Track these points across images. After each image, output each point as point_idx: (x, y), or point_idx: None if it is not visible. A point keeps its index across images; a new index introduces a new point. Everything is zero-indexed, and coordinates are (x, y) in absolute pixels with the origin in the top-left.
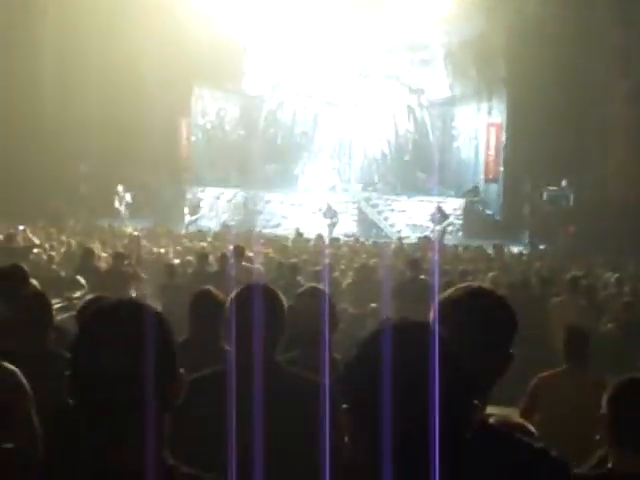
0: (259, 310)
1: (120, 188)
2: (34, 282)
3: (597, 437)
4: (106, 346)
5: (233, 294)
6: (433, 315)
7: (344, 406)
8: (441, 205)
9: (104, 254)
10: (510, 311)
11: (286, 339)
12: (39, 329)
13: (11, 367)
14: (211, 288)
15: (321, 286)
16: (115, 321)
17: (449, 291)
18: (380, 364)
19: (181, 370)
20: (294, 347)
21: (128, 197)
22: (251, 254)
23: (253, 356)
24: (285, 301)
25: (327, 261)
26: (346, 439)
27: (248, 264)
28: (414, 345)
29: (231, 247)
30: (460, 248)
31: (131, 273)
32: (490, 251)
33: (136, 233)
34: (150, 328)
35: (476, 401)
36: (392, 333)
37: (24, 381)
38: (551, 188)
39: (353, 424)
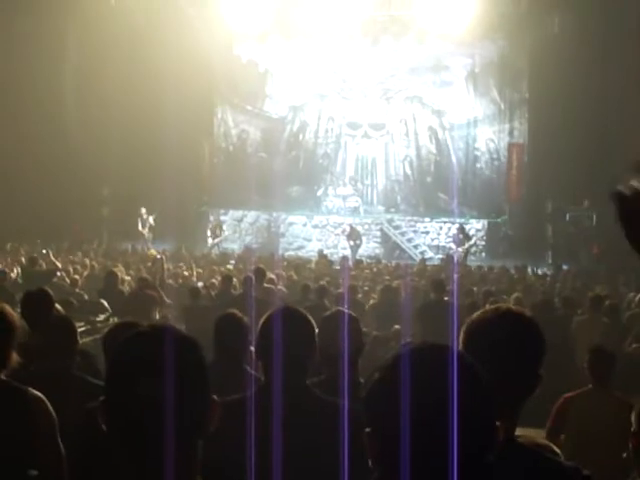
0: (289, 333)
1: (143, 211)
2: (58, 307)
3: (624, 455)
4: (140, 373)
5: (264, 317)
6: (462, 337)
7: (367, 430)
8: (464, 226)
9: (127, 277)
10: (539, 332)
11: (316, 363)
12: (64, 353)
13: (37, 393)
14: (235, 311)
15: (345, 308)
16: (149, 347)
17: (479, 312)
18: (400, 388)
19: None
20: (321, 371)
21: (151, 220)
22: (274, 276)
23: (282, 380)
24: (314, 324)
25: (350, 283)
26: (370, 463)
27: (270, 286)
28: (434, 368)
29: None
30: (483, 269)
31: (154, 297)
32: (513, 272)
33: (159, 256)
34: (184, 354)
35: (498, 422)
36: (412, 357)
37: (50, 407)
38: (573, 209)
39: (376, 448)
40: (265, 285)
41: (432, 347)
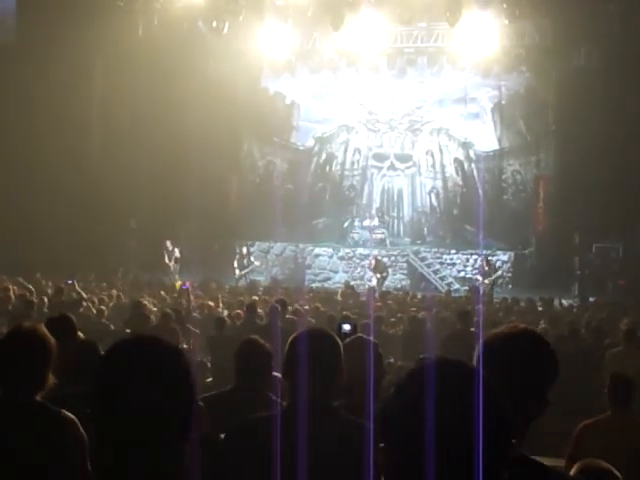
0: (316, 352)
1: (168, 243)
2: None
3: None
4: (124, 380)
5: (291, 336)
6: (477, 352)
7: (381, 445)
8: (490, 258)
9: (154, 308)
10: (554, 357)
11: (344, 384)
12: (89, 378)
13: (70, 415)
14: (257, 337)
15: (370, 338)
16: (133, 355)
17: (498, 329)
18: (416, 401)
19: (201, 402)
20: (340, 396)
21: (177, 252)
22: (299, 307)
23: (307, 400)
24: (341, 345)
25: (376, 314)
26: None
27: (292, 317)
28: (451, 382)
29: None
30: (509, 301)
31: (177, 330)
32: (539, 303)
33: (186, 285)
34: (167, 361)
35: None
36: (429, 371)
37: (81, 429)
38: (600, 241)
39: (389, 462)
40: (287, 316)
41: (450, 361)
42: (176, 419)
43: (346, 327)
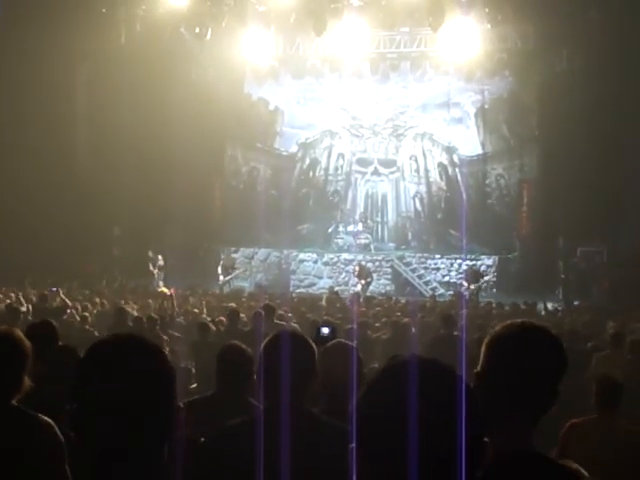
0: (287, 357)
1: (150, 253)
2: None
3: None
4: (104, 379)
5: (265, 340)
6: (484, 350)
7: (351, 446)
8: (475, 264)
9: (137, 314)
10: (562, 349)
11: (317, 386)
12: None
13: (46, 419)
14: (238, 342)
15: (353, 343)
16: (113, 354)
17: (502, 327)
18: (394, 399)
19: (180, 404)
20: (318, 402)
21: (160, 260)
22: (283, 313)
23: (281, 403)
24: (315, 348)
25: (361, 319)
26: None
27: (281, 322)
28: (427, 378)
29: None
30: (494, 305)
31: (161, 336)
32: (523, 307)
33: (170, 292)
34: (148, 361)
35: (486, 439)
36: (405, 368)
37: (59, 433)
38: (584, 244)
39: (365, 463)
40: (275, 321)
41: (426, 359)
42: (158, 419)
43: (324, 330)
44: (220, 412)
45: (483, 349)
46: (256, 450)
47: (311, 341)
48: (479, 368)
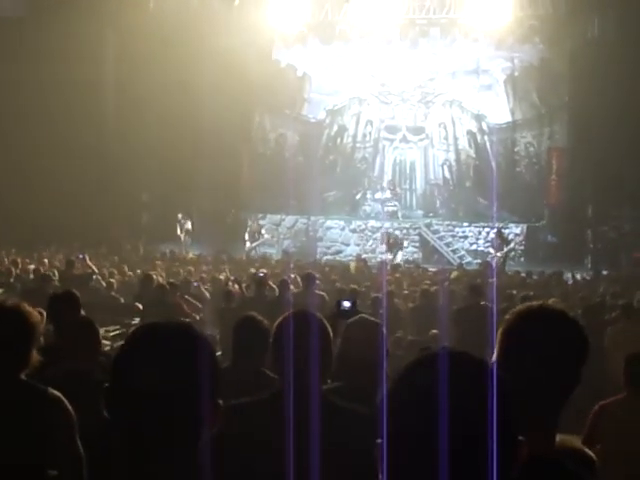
0: (300, 338)
1: (180, 216)
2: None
3: None
4: (148, 363)
5: (277, 322)
6: (500, 336)
7: (378, 441)
8: (502, 231)
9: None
10: (583, 332)
11: (332, 368)
12: (86, 355)
13: (56, 393)
14: (254, 314)
15: (381, 312)
16: (158, 340)
17: (521, 307)
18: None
19: (220, 400)
20: (341, 377)
21: (189, 225)
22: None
23: (295, 386)
24: (330, 329)
25: (388, 288)
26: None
27: (320, 292)
28: (469, 376)
29: (292, 275)
30: (522, 274)
31: (181, 305)
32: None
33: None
34: (194, 349)
35: (521, 437)
36: (437, 361)
37: (69, 407)
38: (614, 214)
39: (399, 456)
40: (317, 291)
41: (459, 352)
42: (191, 411)
43: (346, 304)
44: (236, 385)
45: (499, 334)
46: (270, 429)
47: (325, 322)
48: (495, 357)
